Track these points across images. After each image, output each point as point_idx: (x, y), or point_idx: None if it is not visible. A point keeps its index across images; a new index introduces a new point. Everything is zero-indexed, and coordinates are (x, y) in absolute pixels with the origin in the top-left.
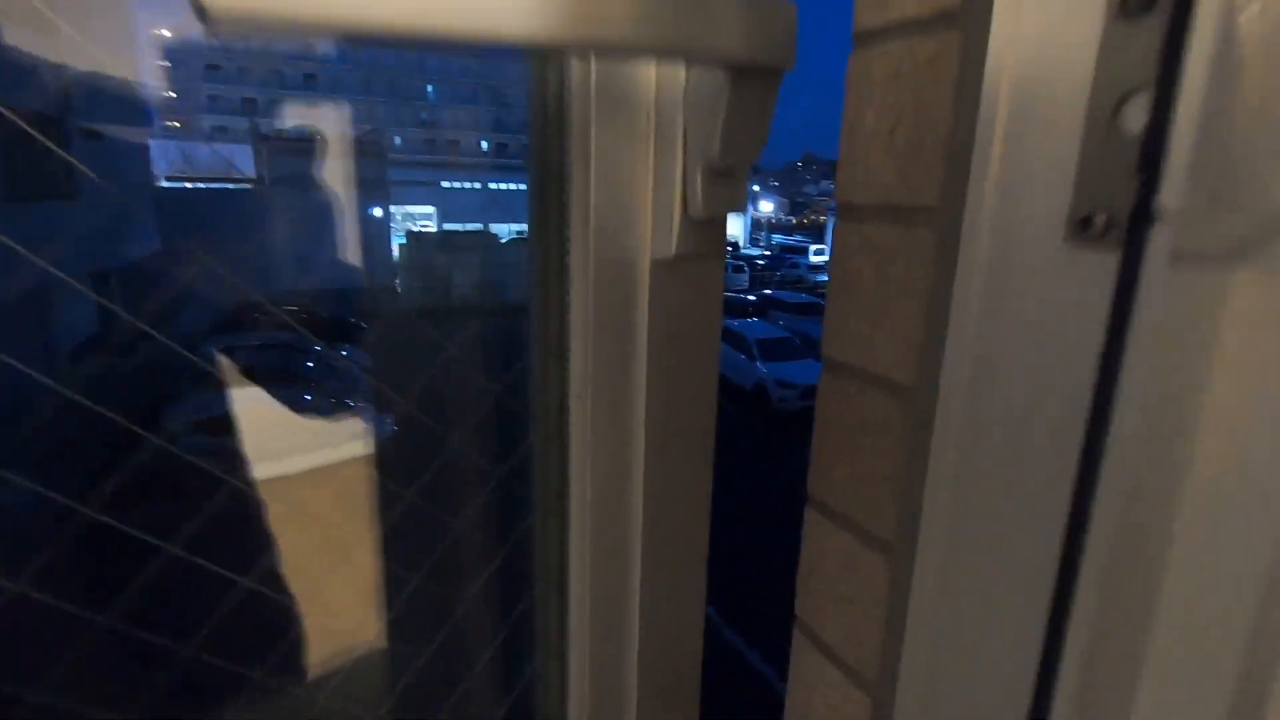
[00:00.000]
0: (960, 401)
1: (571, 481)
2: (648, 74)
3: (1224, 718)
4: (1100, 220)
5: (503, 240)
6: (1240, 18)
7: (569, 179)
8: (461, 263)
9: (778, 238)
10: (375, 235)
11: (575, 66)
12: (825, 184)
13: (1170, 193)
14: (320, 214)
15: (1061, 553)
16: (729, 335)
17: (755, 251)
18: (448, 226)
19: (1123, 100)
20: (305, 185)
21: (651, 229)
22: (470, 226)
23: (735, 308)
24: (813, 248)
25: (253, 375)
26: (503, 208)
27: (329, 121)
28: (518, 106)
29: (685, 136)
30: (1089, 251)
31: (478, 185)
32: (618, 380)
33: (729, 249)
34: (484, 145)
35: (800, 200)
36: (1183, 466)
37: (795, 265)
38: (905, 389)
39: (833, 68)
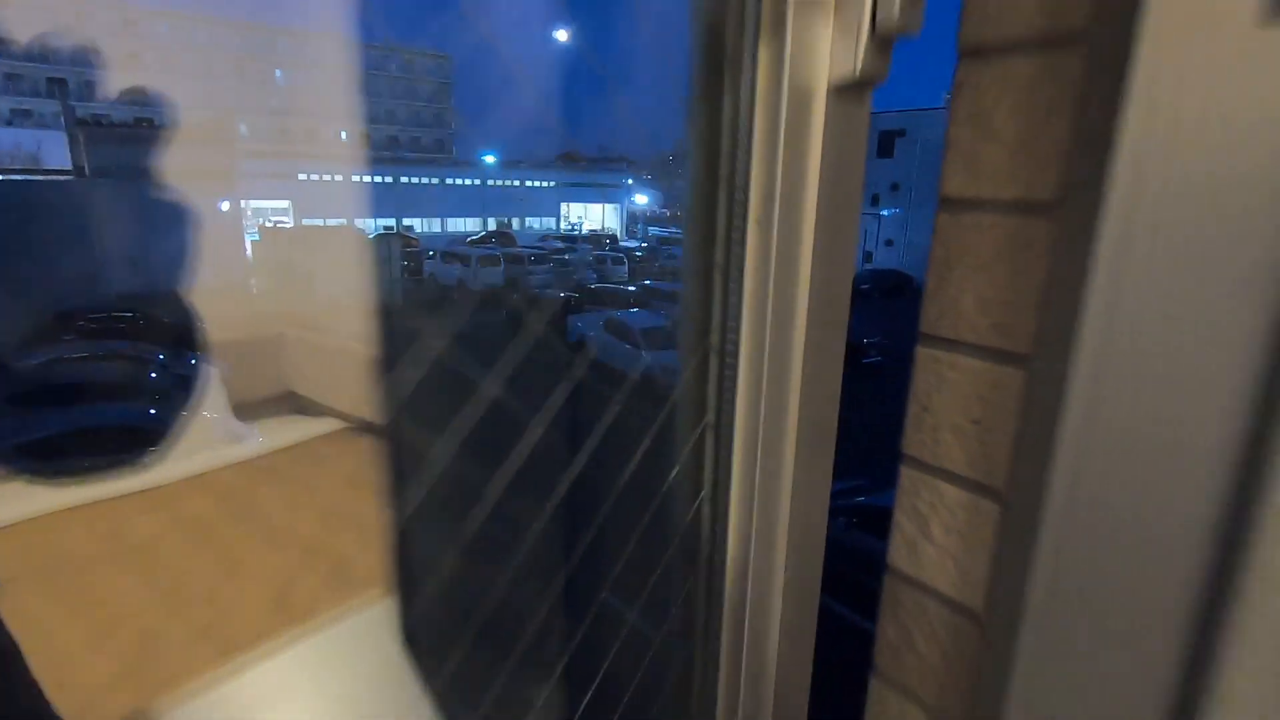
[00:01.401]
0: (1121, 203)
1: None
2: None
3: None
4: None
5: (369, 235)
6: None
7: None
8: (323, 259)
9: (654, 229)
10: (223, 231)
11: None
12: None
13: None
14: (156, 209)
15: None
16: (614, 326)
17: (633, 244)
18: (306, 221)
19: None
20: (135, 177)
21: (833, 50)
22: (332, 221)
23: (618, 299)
24: None
25: (84, 390)
26: (368, 200)
27: (162, 106)
28: (381, 95)
29: None
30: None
31: (339, 177)
32: (793, 210)
33: (607, 241)
34: (343, 135)
35: (672, 193)
36: None
37: (672, 256)
38: (1051, 206)
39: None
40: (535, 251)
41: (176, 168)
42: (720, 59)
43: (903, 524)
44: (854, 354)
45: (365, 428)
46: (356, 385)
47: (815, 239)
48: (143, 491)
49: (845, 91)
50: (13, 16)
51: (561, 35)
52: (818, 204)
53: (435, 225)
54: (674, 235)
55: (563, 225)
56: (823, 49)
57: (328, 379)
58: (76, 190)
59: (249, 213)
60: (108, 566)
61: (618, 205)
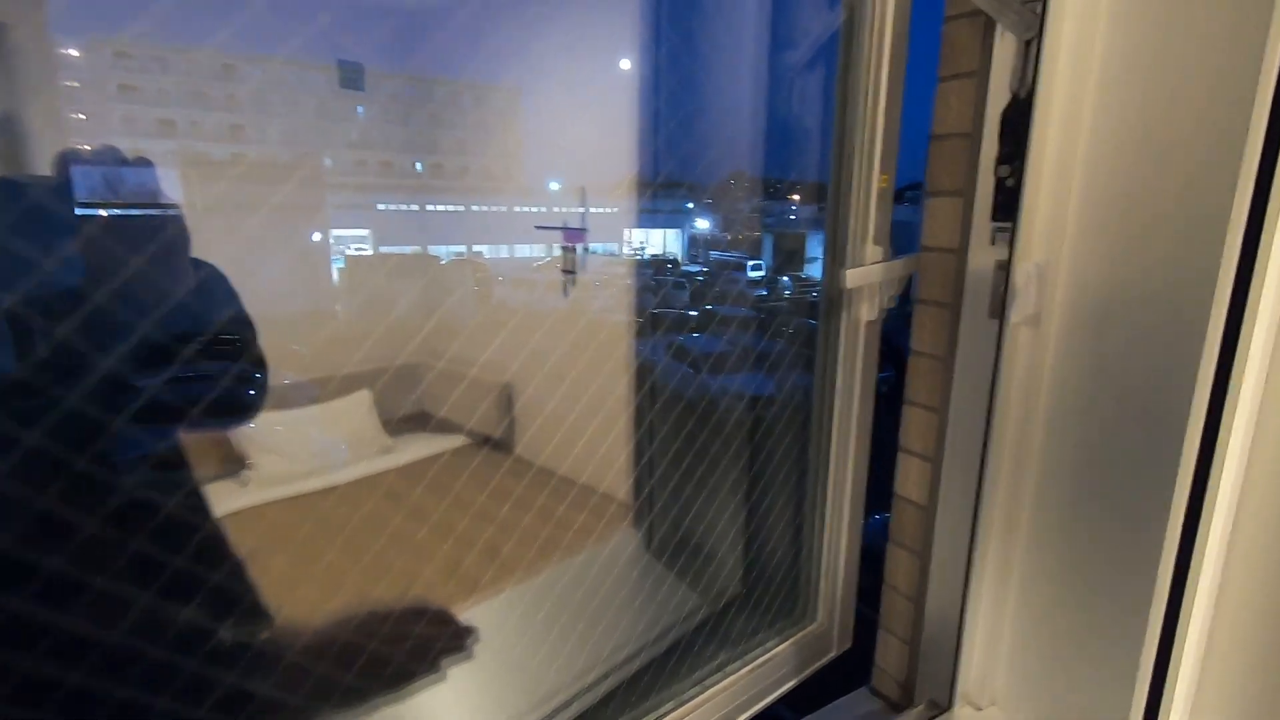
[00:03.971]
0: (963, 367)
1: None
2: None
3: None
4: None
5: (443, 261)
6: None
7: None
8: (402, 285)
9: (715, 254)
10: (313, 260)
11: None
12: (756, 200)
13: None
14: (255, 240)
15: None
16: (676, 351)
17: (694, 268)
18: (384, 249)
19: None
20: (236, 210)
21: (866, 309)
22: (408, 249)
23: (679, 323)
24: (749, 263)
25: (192, 407)
26: (441, 228)
27: (257, 143)
28: (453, 127)
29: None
30: (993, 320)
31: (415, 207)
32: (852, 367)
33: (668, 266)
34: (419, 167)
35: (733, 217)
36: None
37: (734, 280)
38: (942, 359)
39: (760, 92)
40: (600, 276)
41: (271, 201)
42: (828, 319)
43: (898, 474)
44: None
45: (487, 442)
46: (480, 406)
47: (864, 374)
48: (326, 489)
49: (871, 323)
50: (129, 65)
51: (625, 65)
52: (863, 359)
53: (503, 251)
54: (737, 259)
55: (625, 250)
56: (866, 308)
57: (456, 401)
58: (185, 223)
59: (331, 241)
60: (321, 543)
61: (679, 230)
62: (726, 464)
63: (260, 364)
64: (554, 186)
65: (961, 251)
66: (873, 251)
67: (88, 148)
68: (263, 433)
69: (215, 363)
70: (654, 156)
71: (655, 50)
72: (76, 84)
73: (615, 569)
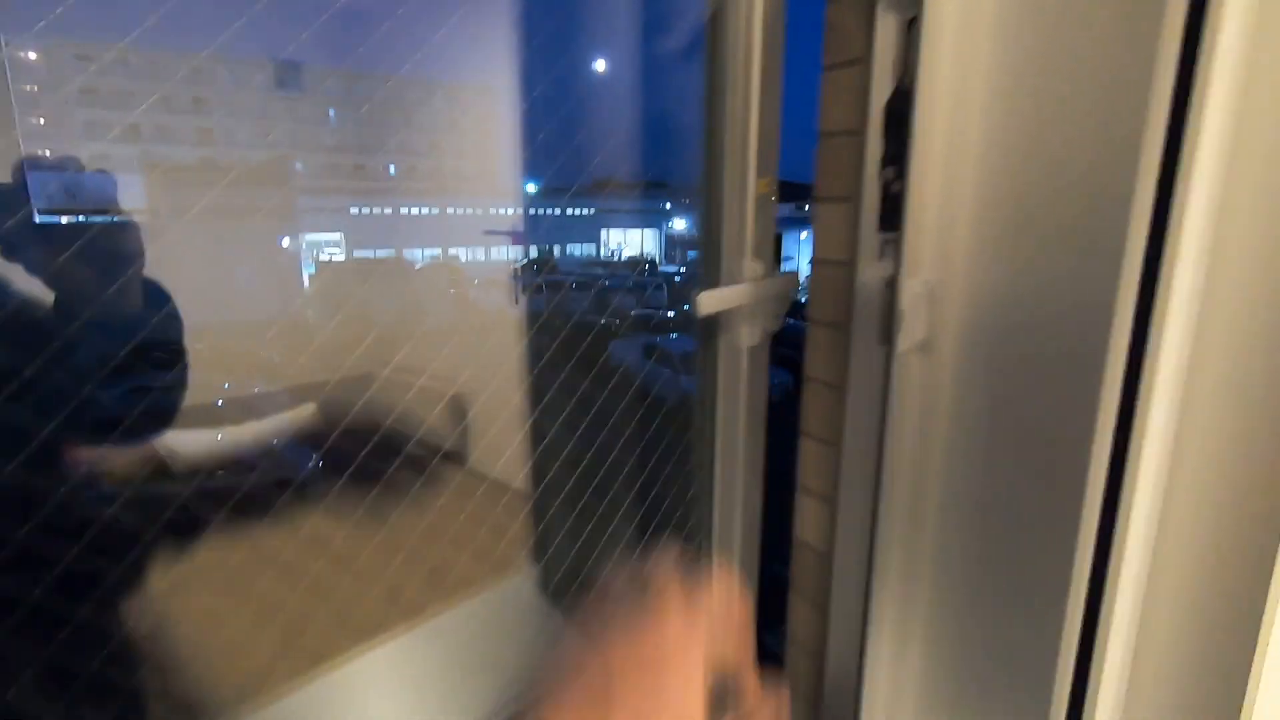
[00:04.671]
0: (855, 396)
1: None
2: None
3: None
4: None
5: (417, 265)
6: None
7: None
8: (376, 290)
9: (692, 254)
10: (283, 265)
11: None
12: None
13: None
14: (222, 245)
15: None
16: (653, 352)
17: (671, 269)
18: (358, 254)
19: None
20: (203, 215)
21: (747, 333)
22: (381, 252)
23: (658, 325)
24: None
25: (161, 417)
26: (415, 231)
27: (225, 147)
28: (425, 129)
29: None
30: (882, 346)
31: (387, 210)
32: (734, 400)
33: (646, 266)
34: (391, 169)
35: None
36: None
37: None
38: (836, 386)
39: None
40: (577, 279)
41: (240, 206)
42: (705, 346)
43: (797, 515)
44: None
45: (442, 455)
46: (434, 418)
47: (749, 409)
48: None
49: (755, 348)
50: (89, 68)
51: (600, 65)
52: (747, 391)
53: (480, 254)
54: None
55: (603, 252)
56: (745, 332)
57: (410, 413)
58: (149, 230)
59: (304, 246)
60: (254, 569)
61: (657, 230)
62: (622, 490)
63: (183, 373)
64: (530, 188)
65: (852, 266)
66: (752, 267)
67: (47, 154)
68: (199, 451)
69: (141, 375)
70: (628, 155)
71: (624, 50)
72: (36, 88)
73: (508, 613)
